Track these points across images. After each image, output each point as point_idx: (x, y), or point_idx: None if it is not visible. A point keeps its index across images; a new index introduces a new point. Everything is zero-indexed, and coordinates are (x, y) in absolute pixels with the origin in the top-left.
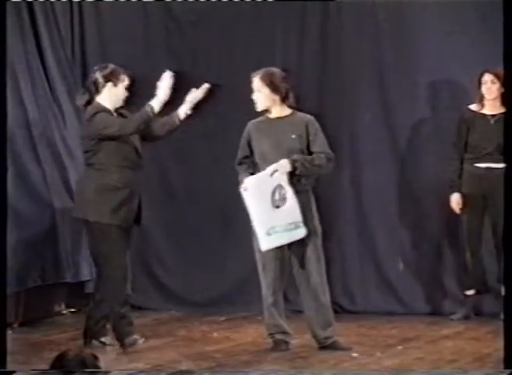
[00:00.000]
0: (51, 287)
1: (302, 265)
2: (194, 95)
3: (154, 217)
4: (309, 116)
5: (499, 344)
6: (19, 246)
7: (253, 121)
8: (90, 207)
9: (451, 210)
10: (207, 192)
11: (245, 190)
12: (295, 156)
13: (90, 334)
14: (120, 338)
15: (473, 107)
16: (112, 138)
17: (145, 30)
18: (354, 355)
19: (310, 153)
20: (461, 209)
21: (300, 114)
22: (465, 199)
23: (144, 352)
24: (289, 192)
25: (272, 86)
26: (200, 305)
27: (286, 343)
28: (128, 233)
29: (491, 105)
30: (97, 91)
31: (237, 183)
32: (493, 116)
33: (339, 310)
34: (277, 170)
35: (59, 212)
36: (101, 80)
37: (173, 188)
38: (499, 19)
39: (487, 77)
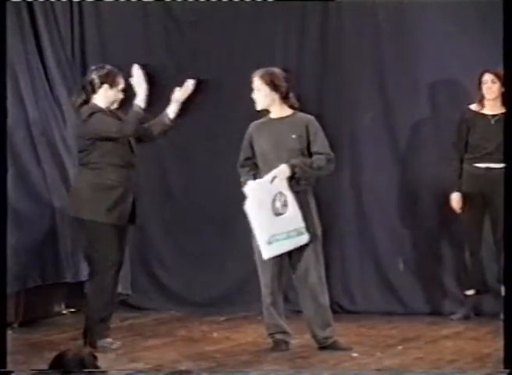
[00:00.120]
0: (51, 287)
1: (301, 265)
2: (180, 93)
3: (155, 217)
4: (309, 116)
5: (499, 344)
6: (19, 246)
7: (255, 122)
8: (86, 206)
9: (451, 210)
10: (207, 192)
11: (247, 196)
12: (294, 161)
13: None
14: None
15: (473, 107)
16: (109, 140)
17: (145, 30)
18: (354, 355)
19: (310, 153)
20: (461, 209)
21: (301, 114)
22: (465, 199)
23: (143, 352)
24: (289, 198)
25: (272, 85)
26: (200, 305)
27: (286, 343)
28: (123, 232)
29: (491, 105)
30: (94, 91)
31: (237, 184)
32: (494, 115)
33: (339, 310)
34: (276, 177)
35: (59, 212)
36: (97, 80)
37: (173, 188)
38: (499, 19)
39: (487, 77)
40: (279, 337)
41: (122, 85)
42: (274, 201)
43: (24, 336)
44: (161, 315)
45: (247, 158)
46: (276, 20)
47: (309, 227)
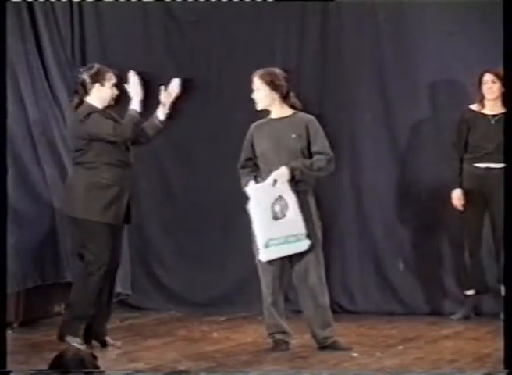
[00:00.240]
0: (51, 287)
1: (301, 265)
2: (167, 94)
3: (155, 217)
4: (310, 116)
5: (499, 344)
6: (19, 246)
7: (256, 123)
8: (80, 205)
9: (451, 210)
10: (207, 192)
11: (248, 197)
12: (293, 164)
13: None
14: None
15: (474, 107)
16: (106, 141)
17: (145, 30)
18: (354, 355)
19: (310, 153)
20: (463, 205)
21: (301, 114)
22: (465, 199)
23: (143, 352)
24: (291, 203)
25: (272, 84)
26: (200, 305)
27: (286, 343)
28: (118, 232)
29: (492, 105)
30: (86, 92)
31: (237, 184)
32: (494, 116)
33: (339, 310)
34: (277, 180)
35: (59, 212)
36: (88, 80)
37: (173, 188)
38: (499, 19)
39: (487, 77)
40: (279, 337)
41: (113, 80)
42: (273, 205)
43: (24, 336)
44: (161, 315)
45: (248, 159)
46: (276, 20)
47: (309, 230)
